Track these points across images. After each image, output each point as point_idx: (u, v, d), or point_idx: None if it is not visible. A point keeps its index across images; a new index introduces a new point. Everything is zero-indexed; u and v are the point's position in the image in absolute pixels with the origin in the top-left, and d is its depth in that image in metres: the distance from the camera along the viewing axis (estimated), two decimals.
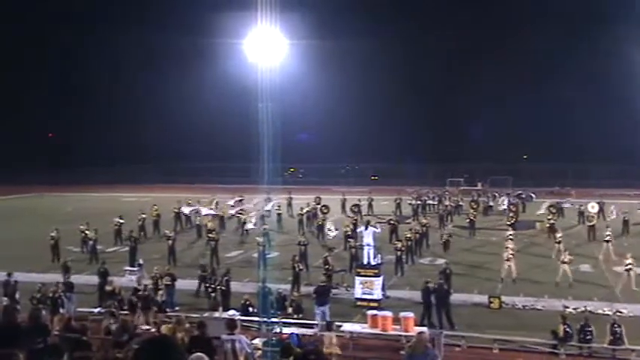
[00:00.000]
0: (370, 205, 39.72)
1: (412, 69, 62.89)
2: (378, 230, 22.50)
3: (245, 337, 10.36)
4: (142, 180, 62.88)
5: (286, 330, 15.42)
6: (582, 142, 56.87)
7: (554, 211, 34.60)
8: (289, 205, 38.89)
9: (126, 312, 16.58)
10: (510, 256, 22.09)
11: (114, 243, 29.68)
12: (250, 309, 17.38)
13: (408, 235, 25.73)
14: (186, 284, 20.79)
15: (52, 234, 26.87)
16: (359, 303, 19.21)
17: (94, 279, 20.54)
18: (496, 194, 43.19)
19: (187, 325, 11.24)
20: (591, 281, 21.99)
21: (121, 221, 30.59)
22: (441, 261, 24.21)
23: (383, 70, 62.46)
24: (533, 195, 45.29)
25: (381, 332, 15.95)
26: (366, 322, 16.39)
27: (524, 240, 29.41)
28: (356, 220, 31.22)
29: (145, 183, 61.68)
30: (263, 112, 14.58)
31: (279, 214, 34.48)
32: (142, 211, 32.31)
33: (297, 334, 14.69)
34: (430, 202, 40.85)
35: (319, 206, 35.69)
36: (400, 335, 15.51)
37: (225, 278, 19.19)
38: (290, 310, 17.85)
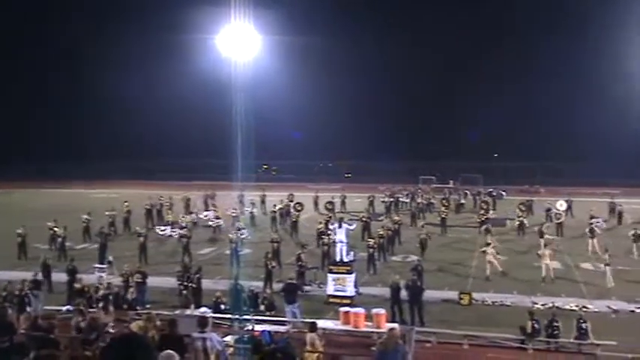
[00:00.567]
0: (343, 203, 39.96)
1: (385, 67, 63.21)
2: (351, 227, 22.61)
3: (216, 335, 10.31)
4: (113, 176, 61.98)
5: (258, 327, 15.35)
6: (552, 141, 58.02)
7: (523, 209, 35.21)
8: (262, 202, 38.83)
9: (94, 309, 16.31)
10: (492, 249, 22.68)
11: (83, 240, 29.24)
12: (222, 306, 17.30)
13: (381, 233, 25.94)
14: (158, 282, 20.60)
15: (19, 231, 26.36)
16: (331, 300, 19.28)
17: (63, 276, 20.20)
18: (467, 192, 43.80)
19: (158, 323, 11.11)
20: (561, 277, 22.41)
21: (89, 218, 30.15)
22: (413, 257, 24.44)
23: (356, 68, 62.62)
24: (503, 192, 45.99)
25: (353, 329, 16.00)
26: (338, 319, 16.44)
27: (495, 237, 29.81)
28: (329, 217, 31.32)
29: (117, 179, 60.81)
30: (235, 108, 14.45)
31: (251, 213, 34.36)
32: (113, 207, 31.85)
33: (269, 332, 14.62)
34: (402, 199, 41.22)
35: (292, 203, 35.70)
36: (372, 332, 15.59)
37: (197, 276, 19.12)
38: (262, 307, 17.81)
